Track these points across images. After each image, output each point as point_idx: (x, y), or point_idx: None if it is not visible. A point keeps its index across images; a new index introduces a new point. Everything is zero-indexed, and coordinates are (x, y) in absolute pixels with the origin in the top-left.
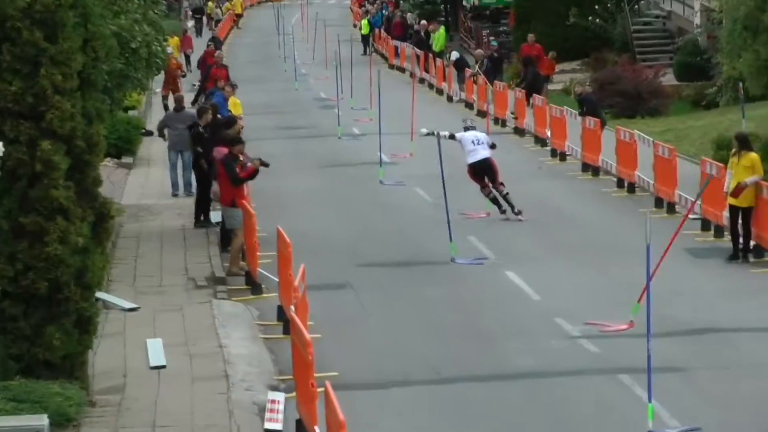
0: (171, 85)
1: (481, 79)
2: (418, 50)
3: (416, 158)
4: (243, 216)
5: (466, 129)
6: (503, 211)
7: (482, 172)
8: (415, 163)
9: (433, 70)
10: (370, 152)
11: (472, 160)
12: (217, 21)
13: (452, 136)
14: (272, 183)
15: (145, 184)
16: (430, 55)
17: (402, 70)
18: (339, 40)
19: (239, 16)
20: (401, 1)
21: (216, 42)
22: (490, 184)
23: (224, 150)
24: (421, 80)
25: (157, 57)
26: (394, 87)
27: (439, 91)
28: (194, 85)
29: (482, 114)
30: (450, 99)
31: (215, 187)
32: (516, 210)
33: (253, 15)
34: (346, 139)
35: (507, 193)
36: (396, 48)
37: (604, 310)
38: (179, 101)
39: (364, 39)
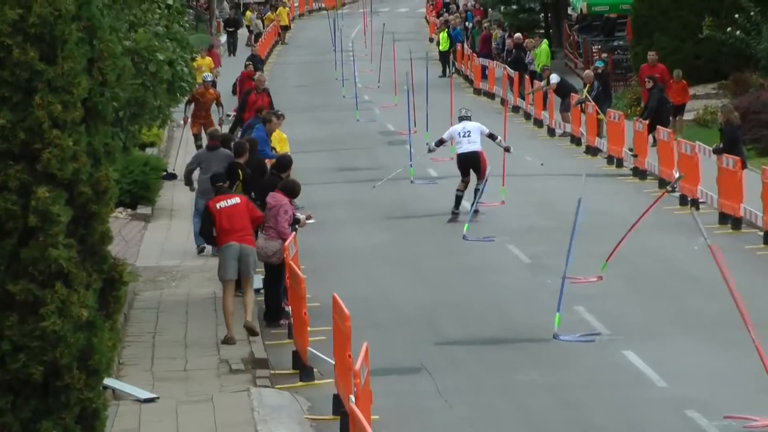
0: (203, 119)
1: (591, 107)
2: (511, 71)
3: (509, 207)
4: (288, 279)
5: (460, 119)
6: (455, 214)
7: (467, 165)
8: (507, 213)
9: (530, 96)
10: (451, 199)
11: (458, 151)
12: (258, 35)
13: (440, 141)
14: (326, 239)
15: (167, 241)
16: (527, 76)
17: (491, 95)
18: (411, 59)
19: (285, 28)
20: (490, 9)
21: (255, 61)
22: (476, 179)
23: (282, 199)
24: (515, 108)
25: (182, 80)
26: (480, 117)
27: (538, 123)
28: (228, 115)
29: (593, 151)
30: (551, 132)
31: (261, 241)
32: (477, 209)
33: (302, 27)
34: (421, 183)
35: (481, 190)
36: (483, 68)
37: (747, 399)
38: (213, 137)
39: (443, 56)
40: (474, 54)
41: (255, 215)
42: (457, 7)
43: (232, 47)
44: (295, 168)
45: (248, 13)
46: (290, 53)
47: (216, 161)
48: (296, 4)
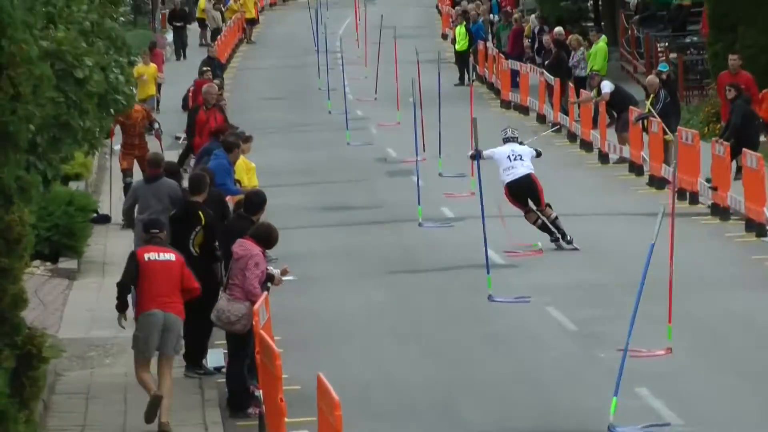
0: (136, 148)
1: (656, 124)
2: (550, 77)
3: (547, 258)
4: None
5: (505, 141)
6: (555, 239)
7: (523, 193)
8: (544, 266)
9: (575, 111)
10: (472, 248)
11: (509, 179)
12: (216, 31)
13: (477, 155)
14: (309, 300)
15: (98, 305)
16: (571, 84)
17: (524, 109)
18: (418, 62)
19: (252, 22)
20: None
21: (214, 66)
22: (535, 208)
23: (253, 248)
24: (556, 127)
25: (117, 92)
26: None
27: (586, 145)
28: (178, 138)
29: (658, 183)
30: (604, 158)
31: (223, 302)
32: (568, 238)
33: (274, 20)
34: (431, 225)
35: (556, 218)
36: (514, 73)
37: None
38: (154, 163)
39: (460, 58)
40: (501, 55)
41: (189, 285)
42: None
43: (181, 48)
44: (267, 207)
45: (202, 2)
46: (259, 55)
47: (156, 197)
48: None
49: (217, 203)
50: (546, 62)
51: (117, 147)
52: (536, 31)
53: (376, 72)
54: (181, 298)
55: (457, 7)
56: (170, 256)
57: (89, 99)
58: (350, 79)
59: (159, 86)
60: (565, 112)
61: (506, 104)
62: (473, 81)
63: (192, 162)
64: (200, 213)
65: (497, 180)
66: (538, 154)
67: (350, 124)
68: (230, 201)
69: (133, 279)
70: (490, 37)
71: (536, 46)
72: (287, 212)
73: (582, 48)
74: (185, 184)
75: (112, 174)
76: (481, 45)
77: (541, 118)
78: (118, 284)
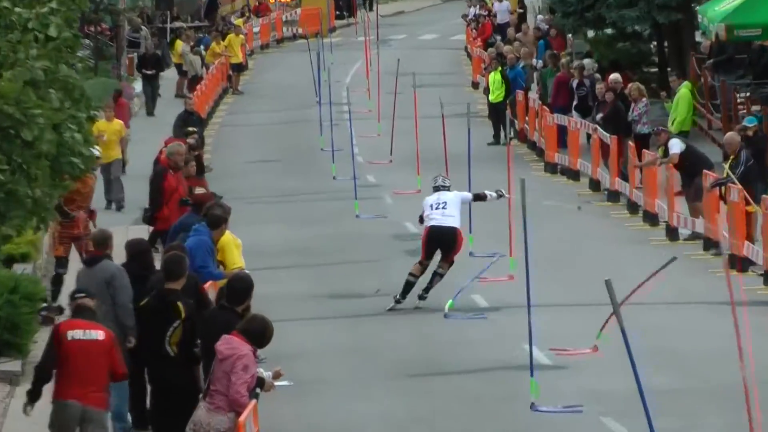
0: (77, 226)
1: (737, 191)
2: (605, 134)
3: (603, 357)
4: None
5: (435, 189)
6: (398, 301)
7: (438, 243)
8: (599, 367)
9: (637, 175)
10: (510, 345)
11: (431, 224)
12: (195, 79)
13: (421, 219)
14: (309, 410)
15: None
16: (631, 143)
17: (573, 174)
18: (443, 116)
19: (238, 68)
20: (570, 35)
21: (189, 120)
22: (438, 262)
23: (242, 347)
24: (613, 195)
25: (73, 154)
26: (557, 212)
27: (651, 218)
28: (146, 210)
29: (743, 264)
30: (673, 233)
31: (202, 413)
32: (425, 295)
33: (267, 65)
34: (460, 318)
35: (440, 275)
36: (561, 129)
37: None
38: (98, 242)
39: (495, 111)
40: (546, 108)
41: (117, 370)
42: (517, 31)
43: (151, 100)
44: (256, 296)
45: (178, 43)
46: (247, 108)
47: (95, 284)
48: (256, 30)
49: (192, 290)
50: (601, 116)
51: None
52: (589, 76)
53: (392, 129)
54: (106, 385)
55: (490, 49)
56: (98, 334)
57: (39, 163)
58: (360, 138)
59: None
60: (625, 178)
61: (552, 167)
62: (511, 139)
63: (164, 241)
64: (178, 304)
65: (542, 259)
66: (499, 196)
67: (359, 192)
68: (211, 287)
69: (54, 362)
70: (534, 85)
71: (589, 96)
72: (281, 301)
73: (645, 99)
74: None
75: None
76: (520, 95)
77: (595, 184)
78: (36, 368)
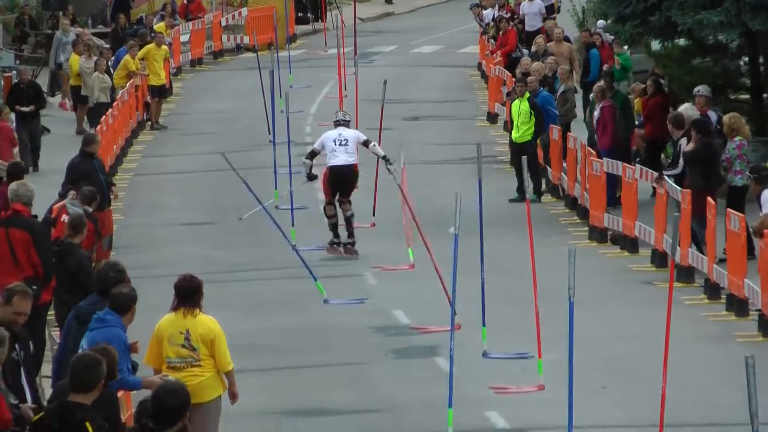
0: None
1: None
2: (674, 188)
3: None
4: None
5: (336, 123)
6: (334, 244)
7: (341, 182)
8: None
9: (716, 244)
10: None
11: (332, 162)
12: (99, 108)
13: (312, 154)
14: None
15: None
16: (711, 199)
17: (632, 244)
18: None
19: (160, 91)
20: (626, 47)
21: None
22: (339, 197)
23: None
24: (686, 272)
25: None
26: (606, 295)
27: (737, 305)
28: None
29: None
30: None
31: None
32: (353, 240)
33: (199, 88)
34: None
35: (351, 215)
36: (611, 180)
37: None
38: None
39: (520, 154)
40: (591, 152)
41: None
42: (547, 39)
43: (31, 150)
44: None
45: (75, 60)
46: (171, 149)
47: None
48: (185, 39)
49: (106, 404)
50: (670, 161)
51: None
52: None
53: (375, 180)
54: None
55: (518, 71)
56: None
57: None
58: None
59: None
60: (700, 249)
61: (599, 233)
62: (542, 194)
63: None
64: (86, 425)
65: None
66: (387, 163)
67: (330, 267)
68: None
69: None
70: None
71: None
72: (227, 421)
73: (739, 137)
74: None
75: None
76: (555, 132)
77: (660, 258)
78: None
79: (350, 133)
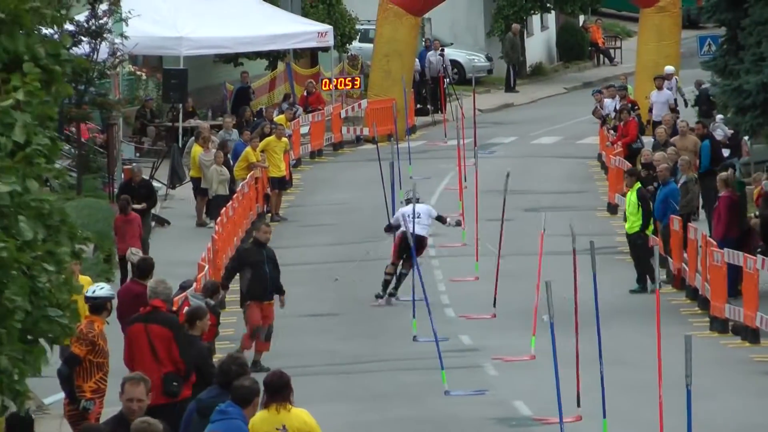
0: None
1: None
2: None
3: None
4: None
5: (408, 201)
6: (378, 297)
7: (407, 248)
8: None
9: None
10: None
11: (405, 230)
12: (219, 201)
13: (389, 227)
14: None
15: None
16: None
17: (753, 335)
18: (575, 251)
19: (281, 183)
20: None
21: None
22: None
23: None
24: None
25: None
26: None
27: None
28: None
29: None
30: None
31: None
32: (395, 292)
33: (319, 180)
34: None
35: (406, 274)
36: (734, 271)
37: None
38: None
39: (633, 246)
40: (711, 242)
41: None
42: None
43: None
44: None
45: (197, 149)
46: (292, 240)
47: None
48: (304, 131)
49: None
50: None
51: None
52: None
53: (496, 269)
54: None
55: (639, 157)
56: None
57: (5, 322)
58: (450, 283)
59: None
60: None
61: (720, 324)
62: (662, 285)
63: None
64: None
65: None
66: (457, 224)
67: (449, 359)
68: None
69: None
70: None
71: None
72: None
73: None
74: None
75: None
76: (675, 223)
77: None
78: None
79: (423, 208)
